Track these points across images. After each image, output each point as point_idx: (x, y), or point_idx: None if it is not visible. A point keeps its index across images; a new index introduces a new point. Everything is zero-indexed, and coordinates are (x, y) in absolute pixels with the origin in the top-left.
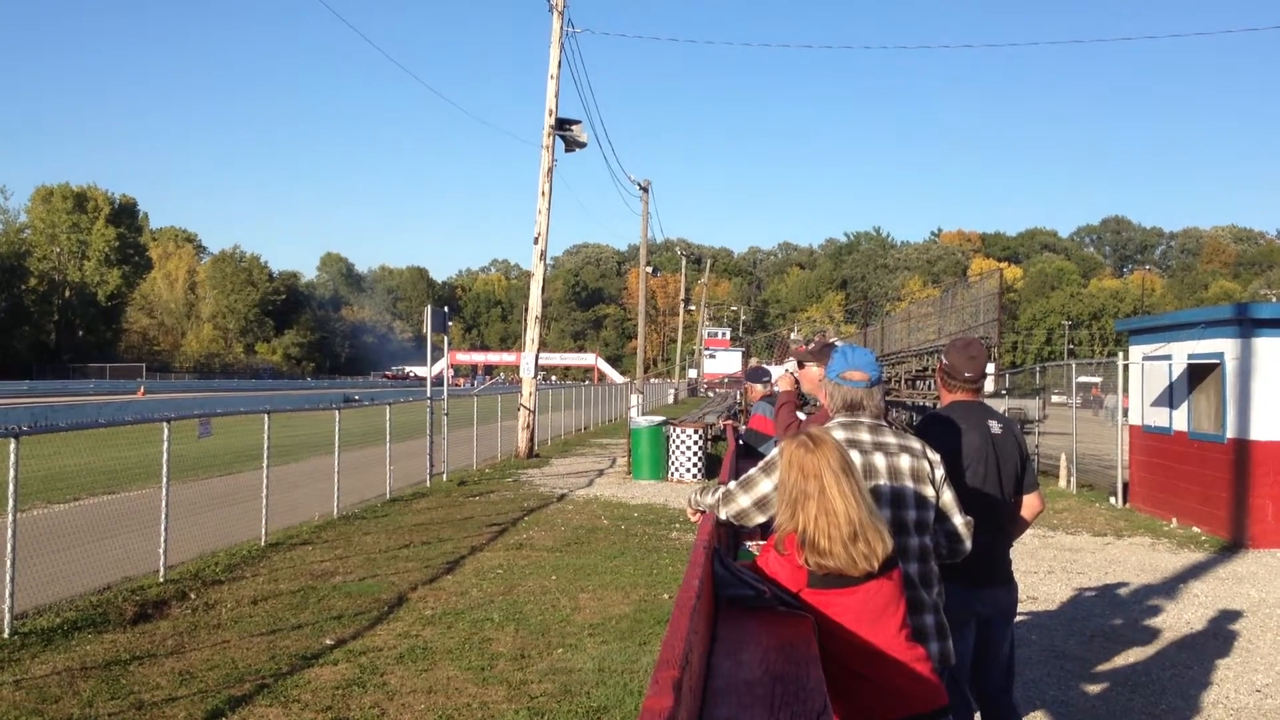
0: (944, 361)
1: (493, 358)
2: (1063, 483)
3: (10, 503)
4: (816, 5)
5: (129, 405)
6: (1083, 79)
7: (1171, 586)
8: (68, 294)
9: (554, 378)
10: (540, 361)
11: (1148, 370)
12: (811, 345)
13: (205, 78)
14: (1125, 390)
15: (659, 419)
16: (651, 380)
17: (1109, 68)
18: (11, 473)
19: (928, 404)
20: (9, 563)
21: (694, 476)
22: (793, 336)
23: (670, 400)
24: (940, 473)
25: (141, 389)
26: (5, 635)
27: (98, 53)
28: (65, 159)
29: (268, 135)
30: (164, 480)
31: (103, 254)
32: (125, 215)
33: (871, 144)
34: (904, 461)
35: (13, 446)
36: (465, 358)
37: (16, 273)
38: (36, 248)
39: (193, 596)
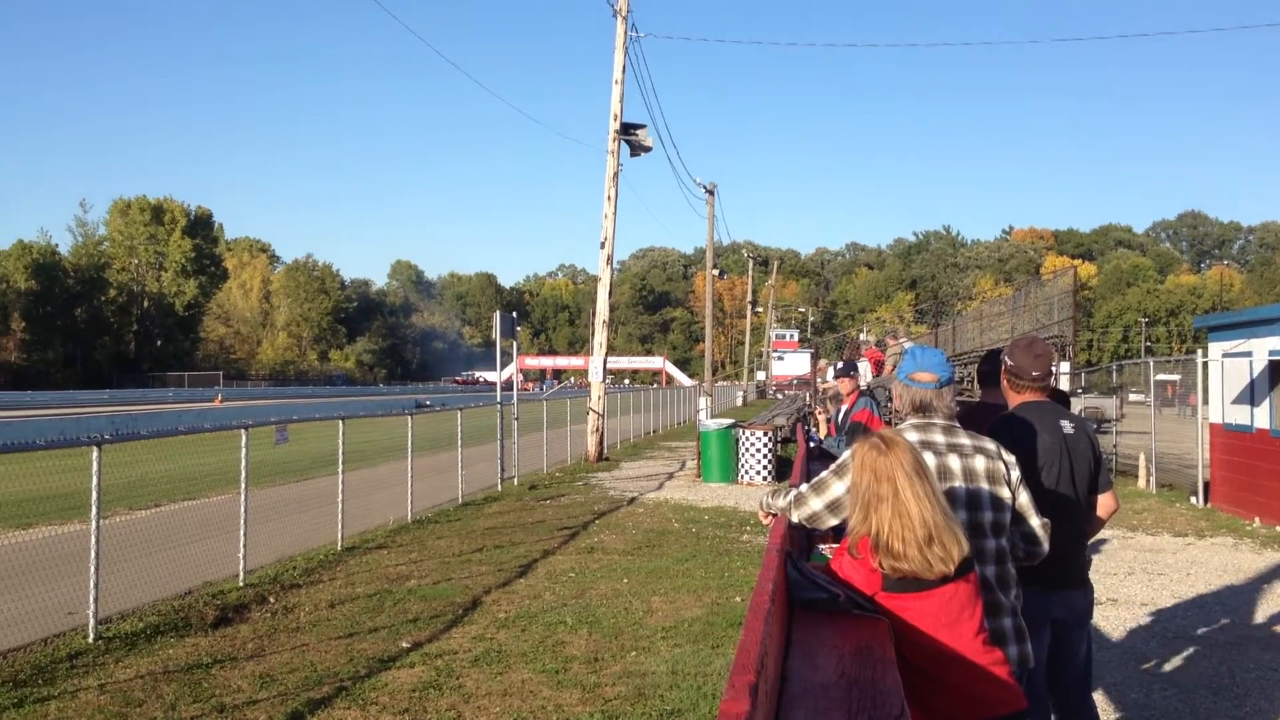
0: (1009, 362)
1: (561, 362)
2: (1142, 483)
3: (93, 509)
4: (881, 2)
5: (207, 413)
6: (1157, 72)
7: (1255, 587)
8: (146, 304)
9: (627, 380)
10: (608, 365)
11: (1228, 367)
12: (842, 364)
13: (277, 91)
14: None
15: (728, 421)
16: (720, 383)
17: (1184, 60)
18: (94, 480)
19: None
20: (93, 569)
21: (764, 479)
22: (862, 337)
23: (739, 403)
24: (1016, 474)
25: (219, 397)
26: (90, 640)
27: (173, 68)
28: (142, 172)
29: (338, 146)
30: (243, 486)
31: (180, 265)
32: (201, 226)
33: (940, 142)
34: (979, 463)
35: (95, 454)
36: (534, 362)
37: (96, 284)
38: (115, 260)
39: (272, 600)
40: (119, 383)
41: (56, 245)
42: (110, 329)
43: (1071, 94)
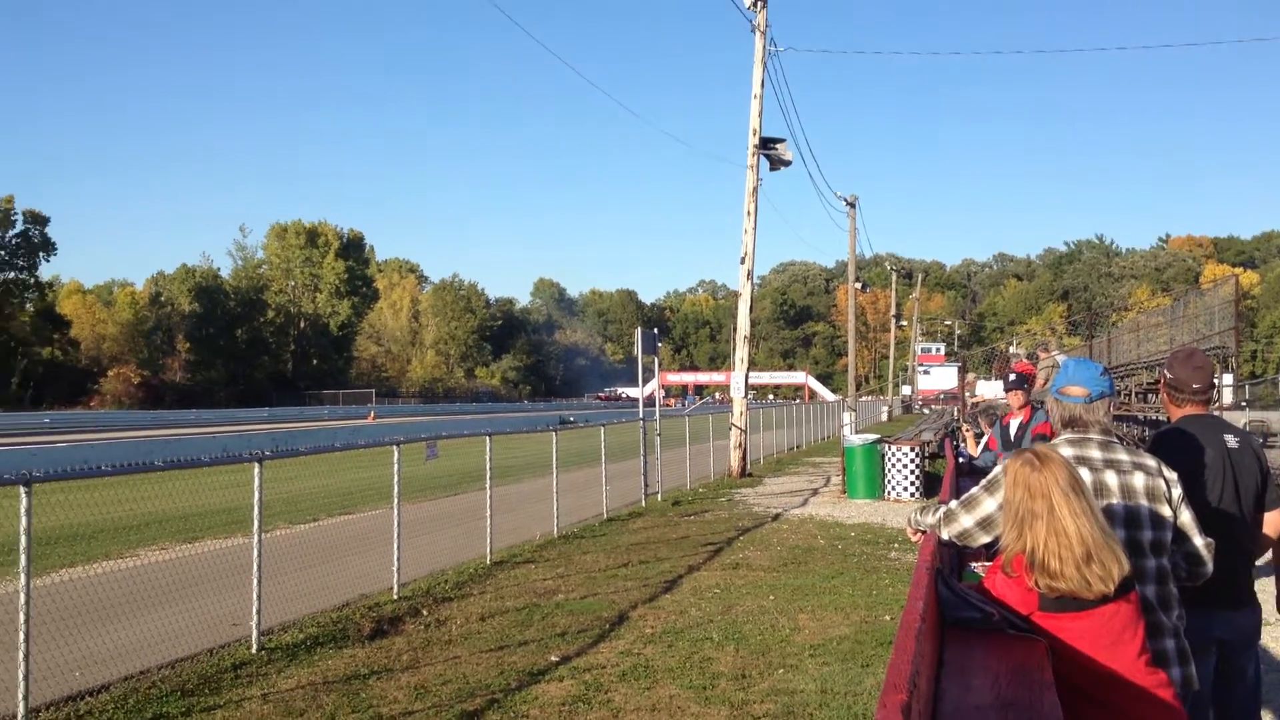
0: (1168, 375)
1: (702, 378)
2: None
3: (256, 524)
4: (1026, 10)
5: (361, 430)
6: None
7: None
8: (302, 325)
9: (770, 395)
10: (750, 380)
11: None
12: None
13: (424, 117)
14: None
15: (873, 436)
16: (864, 397)
17: None
18: (256, 495)
19: (1161, 418)
20: (255, 581)
21: (912, 495)
22: (1012, 350)
23: (884, 417)
24: (1178, 491)
25: (372, 414)
26: (253, 650)
27: (327, 98)
28: (298, 197)
29: (481, 167)
30: (395, 501)
31: (333, 286)
32: (353, 248)
33: (1092, 147)
34: (1138, 480)
35: (257, 470)
36: (675, 378)
37: (256, 306)
38: (273, 282)
39: (425, 613)
40: (278, 401)
41: (218, 269)
42: (269, 349)
43: (1230, 97)
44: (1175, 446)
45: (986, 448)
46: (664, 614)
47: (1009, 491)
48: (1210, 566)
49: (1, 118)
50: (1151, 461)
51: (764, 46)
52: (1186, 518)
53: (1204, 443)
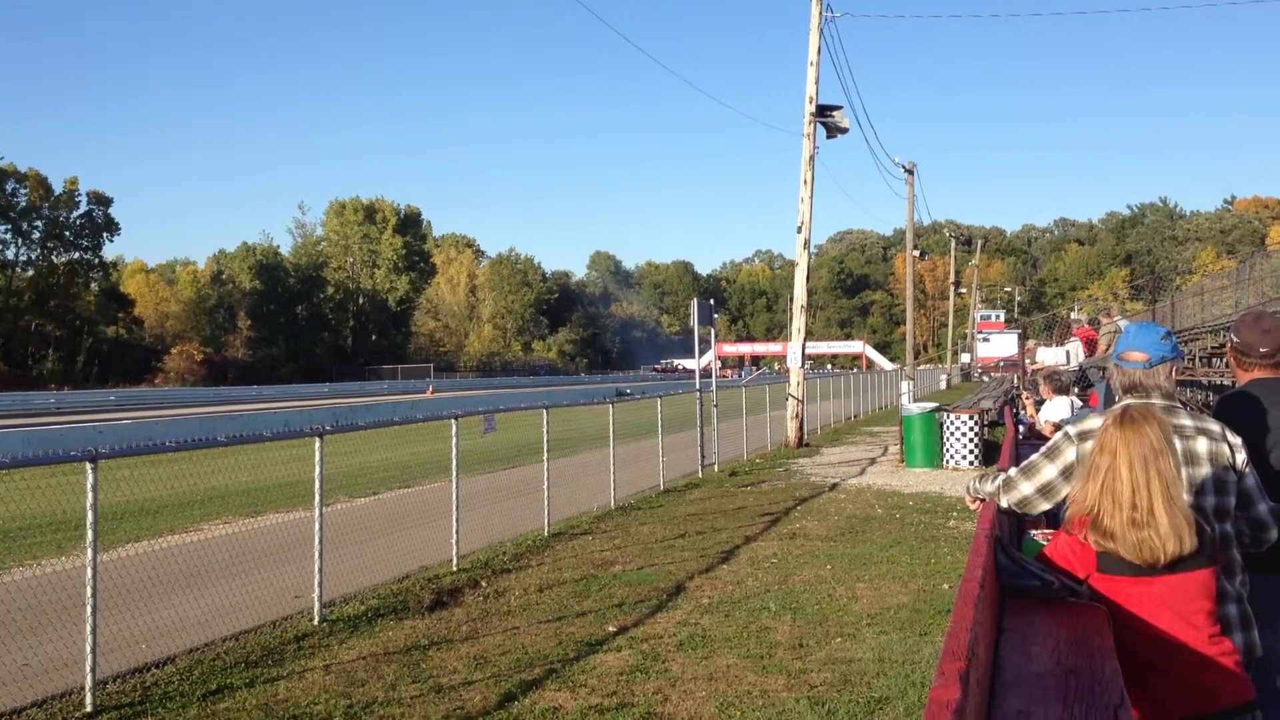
0: (1234, 339)
1: (759, 348)
2: None
3: (317, 497)
4: None
5: (420, 404)
6: None
7: None
8: (361, 301)
9: (829, 365)
10: (807, 350)
11: None
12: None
13: (478, 92)
14: None
15: (932, 405)
16: (922, 366)
17: None
18: (318, 469)
19: (1225, 382)
20: (317, 554)
21: (970, 464)
22: (1073, 316)
23: (943, 386)
24: (1242, 456)
25: (430, 388)
26: (315, 622)
27: (381, 77)
28: (355, 174)
29: (536, 141)
30: (453, 474)
31: (391, 262)
32: (411, 224)
33: (1154, 109)
34: (1201, 445)
35: (318, 444)
36: (732, 349)
37: (316, 283)
38: (332, 259)
39: (483, 585)
40: (338, 376)
41: (278, 246)
42: (329, 325)
43: None
44: (1240, 411)
45: (1086, 404)
46: (721, 584)
47: (1093, 443)
48: (1275, 532)
49: (65, 101)
50: (1215, 426)
51: (820, 13)
52: (1250, 483)
53: (1269, 406)
